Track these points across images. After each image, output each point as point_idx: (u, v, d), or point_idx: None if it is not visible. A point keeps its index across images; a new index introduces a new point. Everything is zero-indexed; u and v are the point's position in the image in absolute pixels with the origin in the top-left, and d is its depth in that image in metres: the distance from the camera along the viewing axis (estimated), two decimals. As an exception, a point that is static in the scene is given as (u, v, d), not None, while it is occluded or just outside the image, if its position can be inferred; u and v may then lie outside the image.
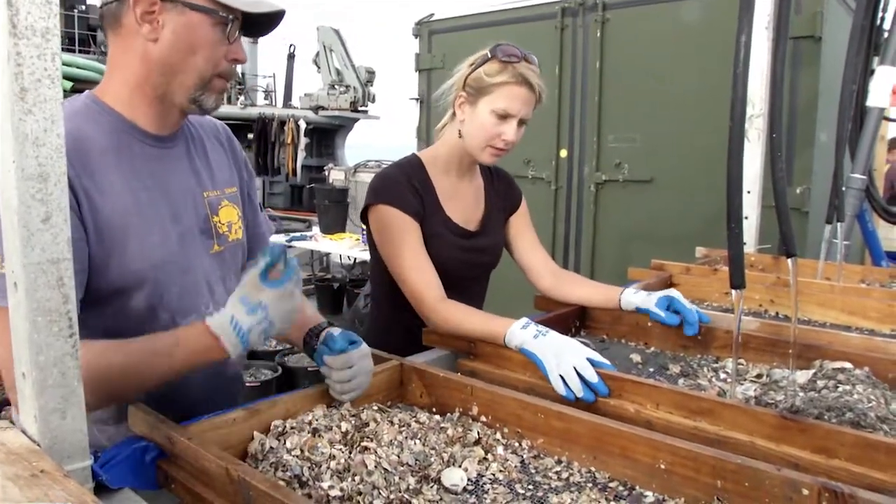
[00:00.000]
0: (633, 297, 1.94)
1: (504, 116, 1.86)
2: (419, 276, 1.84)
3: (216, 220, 1.52)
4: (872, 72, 3.23)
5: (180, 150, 1.50)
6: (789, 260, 1.64)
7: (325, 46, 15.75)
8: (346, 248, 7.00)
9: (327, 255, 8.81)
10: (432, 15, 5.67)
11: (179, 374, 1.25)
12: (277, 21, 1.45)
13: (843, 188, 2.89)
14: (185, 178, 1.48)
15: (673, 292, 1.88)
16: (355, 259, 8.04)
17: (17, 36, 0.84)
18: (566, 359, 1.49)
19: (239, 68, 1.47)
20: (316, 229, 7.89)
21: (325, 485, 1.08)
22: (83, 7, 20.13)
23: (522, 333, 1.60)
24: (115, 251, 1.32)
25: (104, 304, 1.34)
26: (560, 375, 1.48)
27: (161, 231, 1.39)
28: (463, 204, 2.06)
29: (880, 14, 3.20)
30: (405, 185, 1.93)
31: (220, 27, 1.35)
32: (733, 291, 1.38)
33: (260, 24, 1.44)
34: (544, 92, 1.90)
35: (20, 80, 0.85)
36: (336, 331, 1.43)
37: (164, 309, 1.41)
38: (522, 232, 2.21)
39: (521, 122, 1.89)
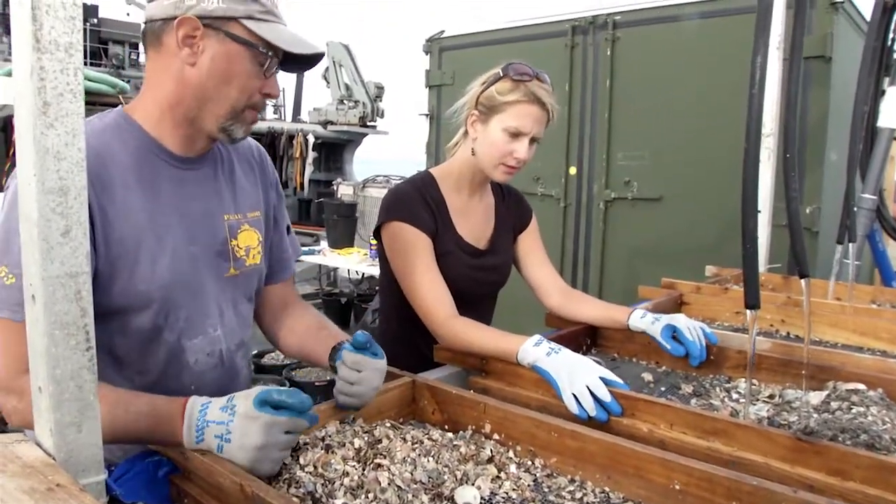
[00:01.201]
0: (640, 322, 1.93)
1: (516, 134, 1.87)
2: (431, 293, 1.83)
3: (234, 244, 1.52)
4: (883, 92, 3.24)
5: (206, 173, 1.50)
6: (802, 280, 1.64)
7: (334, 62, 15.81)
8: (355, 262, 7.00)
9: (335, 269, 8.81)
10: (443, 32, 5.69)
11: (137, 438, 1.22)
12: (317, 60, 1.45)
13: (855, 208, 2.88)
14: (206, 200, 1.48)
15: (678, 319, 1.87)
16: (363, 274, 8.04)
17: (41, 50, 0.85)
18: (579, 377, 1.49)
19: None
20: (324, 244, 7.89)
21: (338, 502, 1.08)
22: (95, 21, 20.30)
23: (535, 351, 1.59)
24: (125, 269, 1.32)
25: (108, 322, 1.34)
26: (573, 394, 1.48)
27: (173, 252, 1.39)
28: (474, 222, 2.06)
29: (891, 36, 3.21)
30: (419, 202, 1.93)
31: (258, 61, 1.36)
32: (748, 311, 1.37)
33: (300, 61, 1.44)
34: (556, 110, 1.90)
35: (43, 94, 0.86)
36: (365, 333, 1.41)
37: (170, 330, 1.41)
38: (532, 250, 2.21)
39: (533, 140, 1.89)
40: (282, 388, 1.17)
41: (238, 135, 1.42)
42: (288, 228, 1.74)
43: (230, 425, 1.13)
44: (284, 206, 1.74)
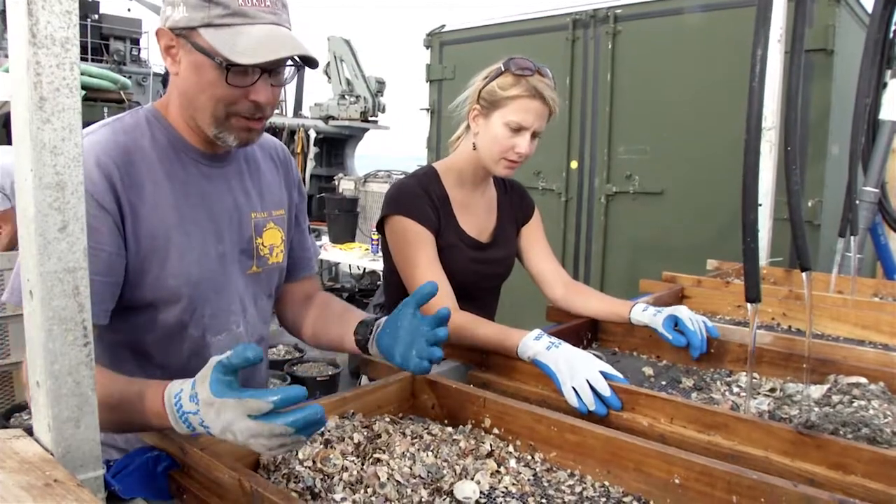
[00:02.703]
0: (641, 315, 1.92)
1: (517, 129, 1.87)
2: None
3: (259, 242, 1.53)
4: (885, 85, 3.23)
5: (233, 170, 1.50)
6: (804, 274, 1.63)
7: (335, 56, 15.78)
8: (356, 257, 7.00)
9: (336, 264, 8.82)
10: (444, 26, 5.69)
11: (140, 428, 1.17)
12: (309, 62, 1.34)
13: (857, 201, 2.88)
14: (233, 197, 1.48)
15: (680, 310, 1.86)
16: (364, 269, 8.05)
17: (37, 45, 0.85)
18: (579, 371, 1.48)
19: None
20: (325, 239, 7.89)
21: (337, 497, 1.08)
22: (96, 16, 20.27)
23: (535, 344, 1.59)
24: (154, 265, 1.33)
25: (135, 316, 1.35)
26: (573, 388, 1.48)
27: (201, 249, 1.40)
28: (476, 215, 2.06)
29: (893, 28, 3.20)
30: (423, 196, 1.93)
31: (223, 70, 1.28)
32: (749, 305, 1.37)
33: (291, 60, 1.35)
34: (557, 105, 1.90)
35: (39, 89, 0.86)
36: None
37: (195, 326, 1.42)
38: (535, 243, 2.20)
39: (535, 135, 1.89)
40: (231, 353, 1.02)
41: (229, 142, 1.37)
42: (308, 229, 1.75)
43: (201, 415, 1.04)
44: (305, 206, 1.75)
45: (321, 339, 1.66)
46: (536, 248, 2.20)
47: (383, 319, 1.49)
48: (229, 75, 1.28)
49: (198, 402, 1.04)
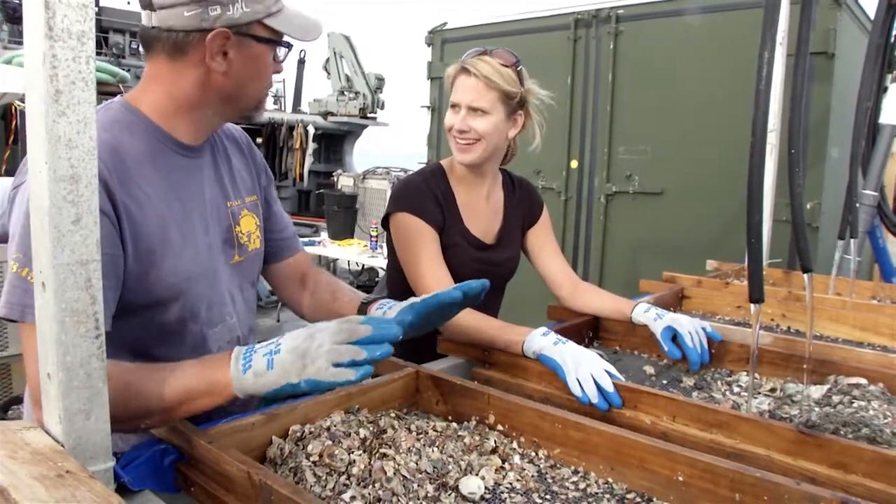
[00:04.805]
0: (642, 317, 1.92)
1: (454, 106, 1.94)
2: (435, 284, 1.83)
3: (238, 230, 1.53)
4: (886, 89, 3.24)
5: (208, 160, 1.50)
6: (805, 275, 1.64)
7: (335, 53, 15.75)
8: (355, 254, 7.01)
9: (335, 260, 8.82)
10: (445, 24, 5.69)
11: (182, 395, 1.17)
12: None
13: (857, 204, 2.89)
14: (212, 187, 1.49)
15: (681, 322, 1.83)
16: (363, 265, 8.04)
17: (53, 38, 0.85)
18: (584, 365, 1.50)
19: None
20: (324, 235, 7.89)
21: (346, 493, 1.08)
22: (96, 9, 20.22)
23: (542, 340, 1.61)
24: (154, 265, 1.31)
25: (135, 317, 1.33)
26: (577, 379, 1.49)
27: (194, 243, 1.39)
28: (482, 216, 2.07)
29: (895, 33, 3.21)
30: (427, 194, 1.95)
31: (273, 52, 1.42)
32: (752, 305, 1.38)
33: None
34: (487, 73, 1.88)
35: (55, 82, 0.86)
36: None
37: (194, 321, 1.41)
38: (544, 243, 2.21)
39: (476, 110, 1.91)
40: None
41: (258, 117, 1.49)
42: (281, 207, 1.77)
43: (279, 340, 1.17)
44: (274, 188, 1.75)
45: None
46: (545, 247, 2.21)
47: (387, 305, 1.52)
48: (283, 55, 1.44)
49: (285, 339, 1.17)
